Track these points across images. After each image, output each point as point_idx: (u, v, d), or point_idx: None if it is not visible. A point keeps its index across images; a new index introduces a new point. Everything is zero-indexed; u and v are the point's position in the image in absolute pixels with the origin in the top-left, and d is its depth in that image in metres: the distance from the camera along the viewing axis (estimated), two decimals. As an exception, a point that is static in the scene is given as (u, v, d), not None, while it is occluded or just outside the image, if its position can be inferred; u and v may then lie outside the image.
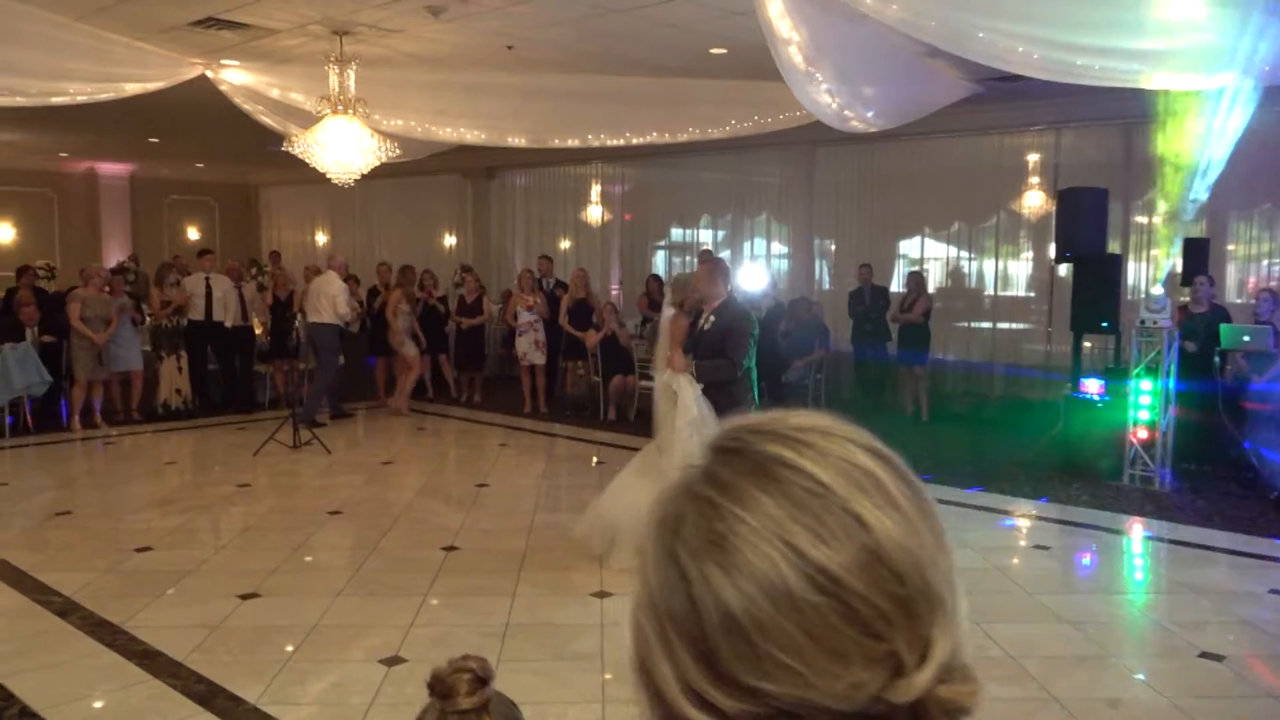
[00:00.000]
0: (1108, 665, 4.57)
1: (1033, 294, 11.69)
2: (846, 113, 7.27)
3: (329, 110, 7.78)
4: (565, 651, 4.65)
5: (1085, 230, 8.36)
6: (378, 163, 7.98)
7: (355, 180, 8.33)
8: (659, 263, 15.72)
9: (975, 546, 6.63)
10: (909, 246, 12.83)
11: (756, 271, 10.52)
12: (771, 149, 12.81)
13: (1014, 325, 11.69)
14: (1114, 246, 9.55)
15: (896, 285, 11.81)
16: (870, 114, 7.42)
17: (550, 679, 4.36)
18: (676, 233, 15.66)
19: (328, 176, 8.10)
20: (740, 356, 5.79)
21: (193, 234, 19.80)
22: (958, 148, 11.78)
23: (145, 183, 19.10)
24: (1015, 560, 6.17)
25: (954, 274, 12.05)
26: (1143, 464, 7.92)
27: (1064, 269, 11.17)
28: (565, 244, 16.15)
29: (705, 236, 15.05)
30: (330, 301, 10.80)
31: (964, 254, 12.32)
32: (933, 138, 11.53)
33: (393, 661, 4.51)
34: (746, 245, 14.15)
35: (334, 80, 7.75)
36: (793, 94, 8.75)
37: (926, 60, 7.99)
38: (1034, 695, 4.19)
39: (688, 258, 15.25)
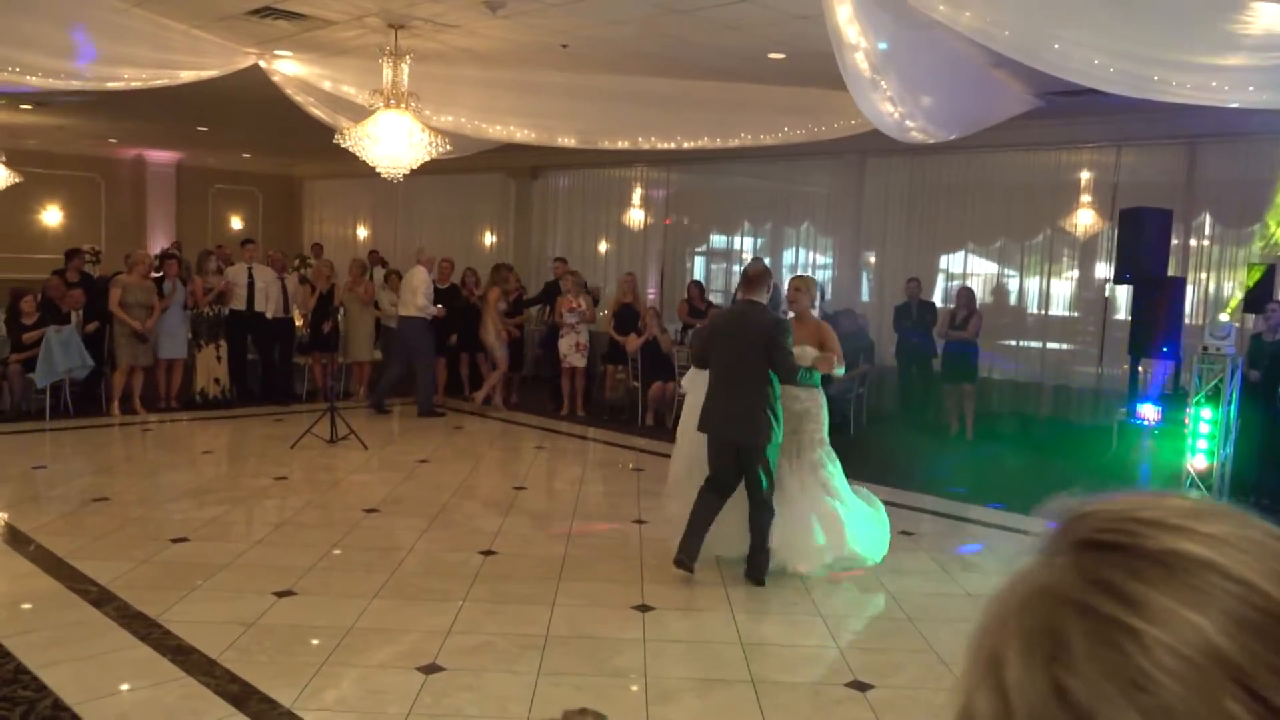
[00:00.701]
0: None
1: (1077, 314, 11.42)
2: (908, 123, 7.08)
3: (381, 104, 7.69)
4: (607, 667, 4.50)
5: (1146, 251, 8.11)
6: (427, 158, 7.88)
7: (399, 177, 8.23)
8: (698, 268, 15.58)
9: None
10: (951, 261, 12.61)
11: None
12: (819, 158, 12.64)
13: (1062, 346, 11.43)
14: (1172, 268, 9.30)
15: (937, 300, 11.60)
16: (932, 125, 7.23)
17: (592, 695, 4.21)
18: (717, 239, 15.54)
19: (377, 170, 8.00)
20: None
21: (236, 223, 19.87)
22: (1011, 162, 11.55)
23: (191, 171, 19.19)
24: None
25: (997, 291, 11.80)
26: (1199, 495, 7.65)
27: (1118, 290, 10.96)
28: (604, 246, 16.05)
29: (746, 244, 14.91)
30: (413, 294, 10.99)
31: (1007, 271, 12.09)
32: (985, 151, 11.30)
33: (430, 670, 4.38)
34: (787, 254, 13.97)
35: (388, 74, 7.66)
36: (849, 102, 8.57)
37: (991, 71, 7.78)
38: None
39: (726, 264, 15.13)
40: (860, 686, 4.36)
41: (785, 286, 6.40)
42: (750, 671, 4.48)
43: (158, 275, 11.02)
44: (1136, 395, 8.35)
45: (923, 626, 5.14)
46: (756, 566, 5.68)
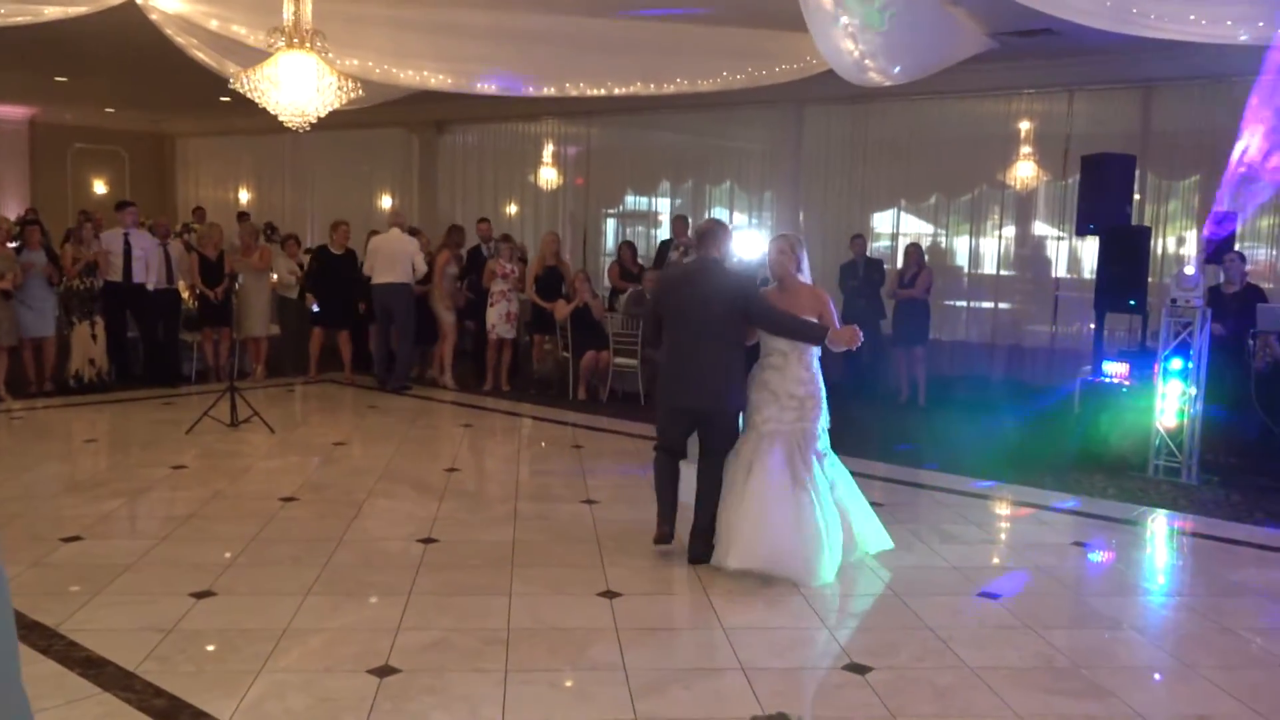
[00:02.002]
0: (1186, 677, 4.39)
1: (1014, 272, 11.62)
2: (866, 62, 7.01)
3: (283, 42, 7.31)
4: (582, 660, 4.34)
5: (1110, 201, 8.22)
6: (337, 105, 7.53)
7: (306, 126, 7.86)
8: (610, 231, 15.44)
9: (1007, 543, 6.47)
10: (882, 220, 12.71)
11: (753, 238, 10.24)
12: (752, 107, 12.56)
13: (1011, 305, 11.61)
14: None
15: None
16: (890, 65, 7.17)
17: (570, 693, 4.05)
18: (633, 200, 15.40)
19: (279, 121, 7.62)
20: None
21: (99, 188, 18.97)
22: (955, 111, 11.65)
23: (47, 129, 18.23)
24: (1053, 559, 5.99)
25: (933, 250, 11.92)
26: (1168, 454, 7.83)
27: (1058, 245, 11.17)
28: (512, 208, 15.77)
29: (663, 205, 14.79)
30: (408, 260, 10.95)
31: (945, 228, 12.23)
32: (928, 99, 11.36)
33: (384, 672, 4.16)
34: (709, 214, 13.91)
35: (289, 9, 7.27)
36: (794, 44, 8.48)
37: (948, 7, 7.76)
38: (1118, 713, 3.98)
39: (644, 226, 15.00)
40: (858, 669, 4.29)
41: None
42: (738, 658, 4.37)
43: (14, 246, 10.40)
44: (1101, 352, 8.48)
45: (912, 602, 5.10)
46: (703, 545, 5.54)
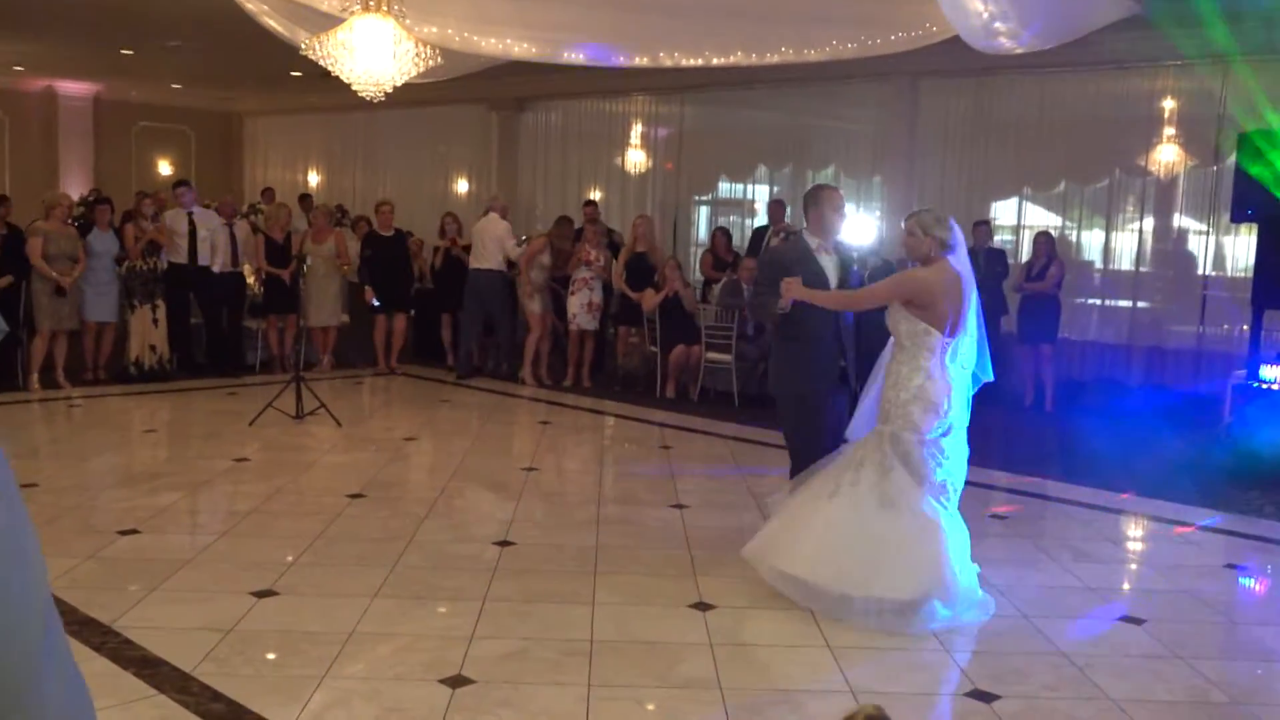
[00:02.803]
0: (1366, 719, 4.14)
1: (1170, 269, 11.22)
2: (997, 25, 6.79)
3: (358, 7, 7.34)
4: (672, 677, 4.24)
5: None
6: (415, 72, 7.54)
7: (380, 96, 7.90)
8: (700, 220, 15.32)
9: (1152, 564, 6.21)
10: (1005, 210, 12.39)
11: (865, 222, 10.06)
12: (860, 82, 12.35)
13: (1150, 304, 11.23)
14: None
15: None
16: (1026, 28, 6.94)
17: (660, 712, 3.95)
18: (726, 187, 15.27)
19: (354, 91, 7.67)
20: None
21: (164, 168, 19.45)
22: (1090, 86, 11.30)
23: (111, 106, 18.75)
24: (1203, 582, 5.72)
25: (1061, 242, 11.55)
26: (1334, 470, 7.46)
27: (1206, 239, 10.76)
28: (596, 194, 15.75)
29: (760, 192, 14.63)
30: (498, 244, 11.22)
31: (1075, 219, 11.88)
32: (1060, 72, 11.04)
33: (457, 682, 4.11)
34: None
35: (365, -29, 7.31)
36: (908, 11, 8.27)
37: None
38: (1285, 755, 3.76)
39: (734, 216, 14.86)
40: (983, 696, 4.12)
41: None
42: (847, 680, 4.23)
43: (79, 224, 10.68)
44: (1258, 354, 8.12)
45: (1043, 624, 4.90)
46: None
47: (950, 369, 4.97)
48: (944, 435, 4.92)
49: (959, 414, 4.98)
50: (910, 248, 5.15)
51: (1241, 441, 7.87)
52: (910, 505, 4.87)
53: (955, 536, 4.93)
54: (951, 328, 4.93)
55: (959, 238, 5.07)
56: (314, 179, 19.32)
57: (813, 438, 5.59)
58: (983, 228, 10.87)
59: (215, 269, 11.08)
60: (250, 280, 11.58)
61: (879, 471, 4.93)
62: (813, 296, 5.32)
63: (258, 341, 11.69)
